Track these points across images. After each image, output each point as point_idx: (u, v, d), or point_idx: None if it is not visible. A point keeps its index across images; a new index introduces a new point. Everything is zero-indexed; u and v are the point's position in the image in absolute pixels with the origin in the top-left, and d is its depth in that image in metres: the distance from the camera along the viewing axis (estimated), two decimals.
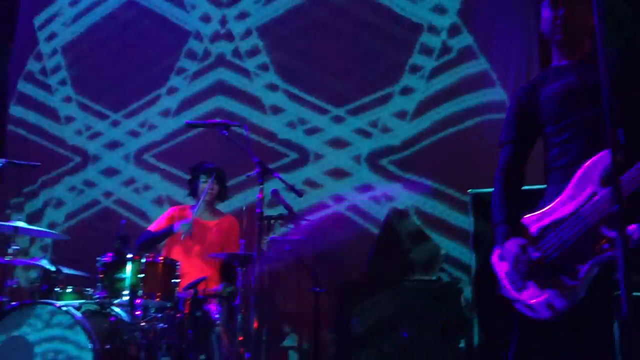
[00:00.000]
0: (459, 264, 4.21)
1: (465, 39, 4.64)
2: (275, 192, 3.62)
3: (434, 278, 3.68)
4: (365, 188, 4.62)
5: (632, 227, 1.78)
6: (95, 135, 5.45)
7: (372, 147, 4.71)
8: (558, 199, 2.00)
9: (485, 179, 3.99)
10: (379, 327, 3.49)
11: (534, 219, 2.05)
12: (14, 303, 3.14)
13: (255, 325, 3.23)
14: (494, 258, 2.11)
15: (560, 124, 2.07)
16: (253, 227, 3.23)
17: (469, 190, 3.67)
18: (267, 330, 3.82)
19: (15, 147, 5.59)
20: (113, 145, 5.38)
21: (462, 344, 3.60)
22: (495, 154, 2.29)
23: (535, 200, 2.12)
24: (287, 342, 4.51)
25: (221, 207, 4.34)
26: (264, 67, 5.05)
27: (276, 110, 4.98)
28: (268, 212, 3.81)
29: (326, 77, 4.89)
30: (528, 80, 2.57)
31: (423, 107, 4.65)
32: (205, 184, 4.04)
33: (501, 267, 2.06)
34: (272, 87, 5.01)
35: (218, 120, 3.34)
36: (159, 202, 5.13)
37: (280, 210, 3.91)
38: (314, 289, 3.35)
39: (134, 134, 5.35)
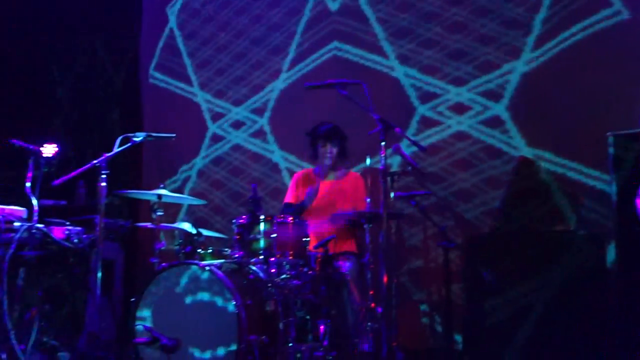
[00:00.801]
0: (599, 212, 3.94)
1: None
2: (397, 148, 3.59)
3: (570, 229, 3.49)
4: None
5: None
6: (220, 116, 5.72)
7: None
8: None
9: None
10: (510, 280, 3.39)
11: None
12: (163, 264, 3.43)
13: (385, 280, 3.27)
14: (638, 201, 1.92)
15: None
16: (378, 185, 3.24)
17: (607, 133, 3.40)
18: (396, 284, 3.86)
19: (153, 114, 6.03)
20: (237, 124, 5.60)
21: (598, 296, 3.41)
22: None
23: None
24: (417, 296, 4.54)
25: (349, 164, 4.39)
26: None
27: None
28: (392, 168, 3.82)
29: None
30: None
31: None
32: (324, 148, 4.11)
33: None
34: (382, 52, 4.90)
35: (336, 80, 3.34)
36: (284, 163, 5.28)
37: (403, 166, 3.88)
38: (443, 243, 3.31)
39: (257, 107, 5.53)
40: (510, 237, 3.49)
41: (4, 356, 3.48)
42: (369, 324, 3.44)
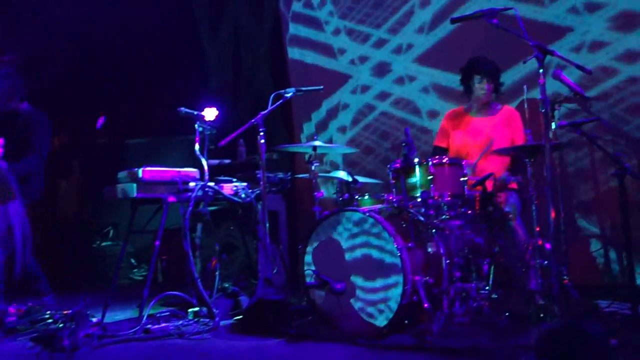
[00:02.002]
0: None
1: None
2: (557, 74, 3.32)
3: None
4: None
5: None
6: (365, 59, 5.68)
7: None
8: None
9: None
10: None
11: None
12: (325, 212, 3.56)
13: (552, 215, 3.10)
14: None
15: None
16: (538, 115, 3.04)
17: None
18: (565, 219, 3.64)
19: (297, 75, 6.18)
20: (382, 66, 5.54)
21: None
22: None
23: None
24: (588, 230, 4.27)
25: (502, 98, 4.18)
26: None
27: None
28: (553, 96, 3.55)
29: None
30: None
31: None
32: (480, 84, 3.95)
33: None
34: None
35: (484, 9, 3.14)
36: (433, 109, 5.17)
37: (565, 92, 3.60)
38: (617, 171, 3.04)
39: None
40: None
41: (194, 301, 3.91)
42: (538, 261, 3.31)
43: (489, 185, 3.52)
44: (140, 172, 3.81)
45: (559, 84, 3.65)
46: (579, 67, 3.05)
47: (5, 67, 4.29)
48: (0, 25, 6.63)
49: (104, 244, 6.70)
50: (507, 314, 3.13)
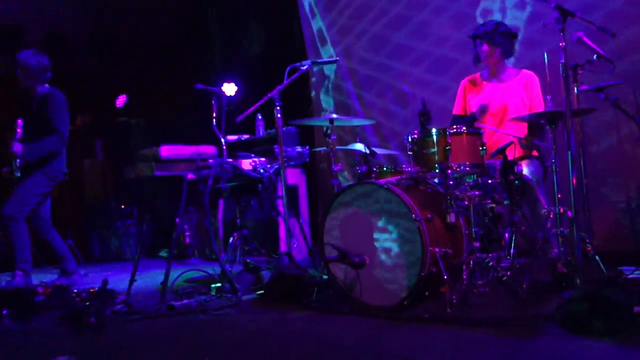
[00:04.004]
0: None
1: None
2: (579, 38, 3.21)
3: None
4: None
5: None
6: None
7: None
8: None
9: None
10: None
11: None
12: (343, 185, 3.55)
13: (574, 182, 3.04)
14: None
15: None
16: (558, 80, 2.95)
17: None
18: (588, 186, 3.57)
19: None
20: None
21: None
22: None
23: None
24: (613, 197, 4.18)
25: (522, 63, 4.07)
26: None
27: None
28: (573, 61, 3.43)
29: None
30: None
31: None
32: (481, 48, 3.82)
33: None
34: None
35: None
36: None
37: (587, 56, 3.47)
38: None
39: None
40: None
41: (216, 276, 3.95)
42: (559, 229, 3.25)
43: (510, 153, 3.44)
44: (159, 150, 3.83)
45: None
46: (601, 29, 2.95)
47: (35, 57, 4.33)
48: (26, 5, 6.70)
49: (127, 222, 6.80)
50: (528, 283, 3.10)
